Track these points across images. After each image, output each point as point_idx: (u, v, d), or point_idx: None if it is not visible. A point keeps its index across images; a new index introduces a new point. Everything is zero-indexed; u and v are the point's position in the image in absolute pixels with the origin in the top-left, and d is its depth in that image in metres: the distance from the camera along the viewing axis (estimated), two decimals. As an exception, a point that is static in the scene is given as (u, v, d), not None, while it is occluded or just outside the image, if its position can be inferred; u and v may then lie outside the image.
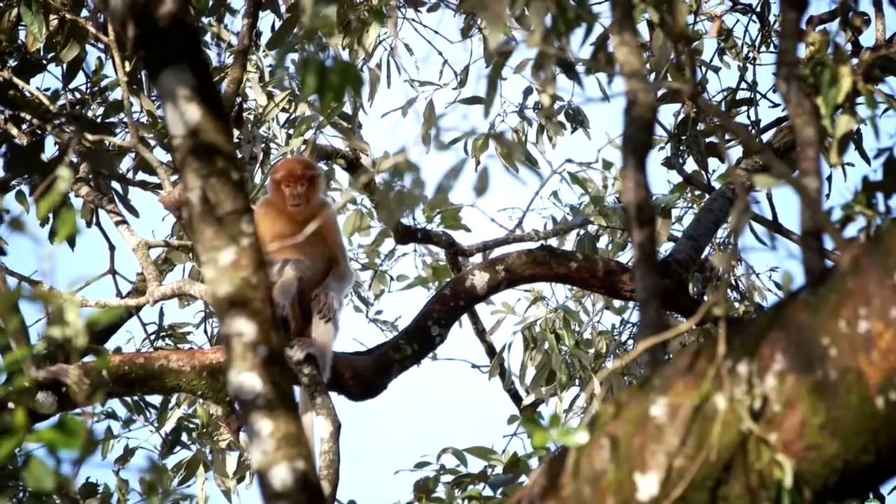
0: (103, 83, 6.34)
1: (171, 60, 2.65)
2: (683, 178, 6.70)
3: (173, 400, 7.04)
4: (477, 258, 7.10)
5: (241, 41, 5.83)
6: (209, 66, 2.69)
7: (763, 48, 6.90)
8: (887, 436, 2.43)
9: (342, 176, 7.43)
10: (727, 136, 6.24)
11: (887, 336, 2.40)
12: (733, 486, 2.47)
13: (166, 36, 2.65)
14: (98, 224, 6.97)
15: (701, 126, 6.42)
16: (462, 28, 6.78)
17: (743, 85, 6.76)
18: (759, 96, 6.75)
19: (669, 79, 5.46)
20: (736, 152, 6.71)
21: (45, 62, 5.95)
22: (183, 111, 2.63)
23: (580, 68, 2.91)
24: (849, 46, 5.79)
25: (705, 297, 6.04)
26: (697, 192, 7.11)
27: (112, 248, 7.02)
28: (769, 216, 6.58)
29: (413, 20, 7.22)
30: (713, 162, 6.62)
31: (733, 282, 7.08)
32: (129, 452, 7.05)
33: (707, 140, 6.49)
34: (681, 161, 6.63)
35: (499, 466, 5.90)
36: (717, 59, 6.83)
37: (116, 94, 6.30)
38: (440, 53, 7.52)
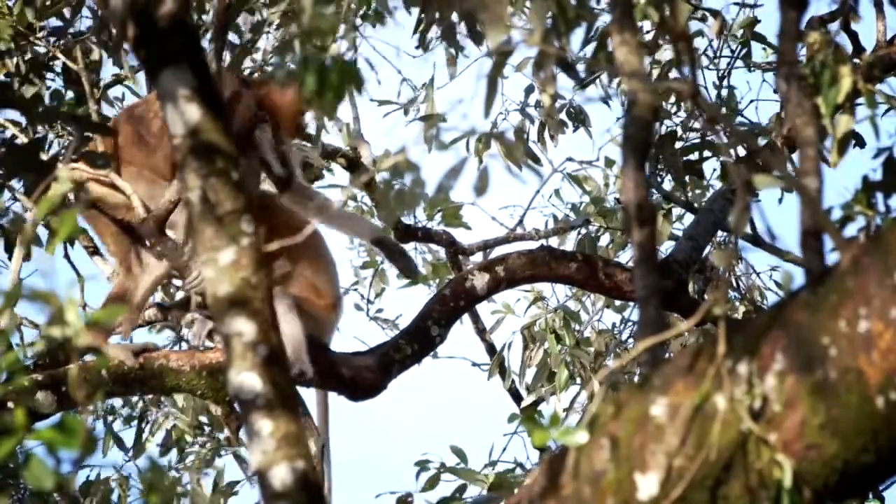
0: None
1: (171, 60, 2.65)
2: (663, 196, 6.72)
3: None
4: (477, 257, 7.10)
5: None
6: (209, 66, 2.69)
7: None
8: (887, 436, 2.43)
9: (343, 175, 7.43)
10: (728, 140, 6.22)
11: (887, 336, 2.40)
12: (733, 485, 2.47)
13: (166, 36, 2.65)
14: (67, 257, 6.98)
15: (679, 144, 6.41)
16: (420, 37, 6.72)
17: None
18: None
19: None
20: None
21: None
22: (183, 111, 2.64)
23: (580, 66, 2.91)
24: (848, 46, 5.79)
25: (706, 298, 6.04)
26: (698, 191, 7.11)
27: (81, 278, 6.98)
28: (770, 219, 6.56)
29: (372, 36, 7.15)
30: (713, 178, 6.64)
31: (733, 282, 7.08)
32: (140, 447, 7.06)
33: (685, 158, 6.48)
34: (658, 180, 6.64)
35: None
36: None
37: (116, 92, 6.32)
38: (399, 72, 7.49)
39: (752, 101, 7.01)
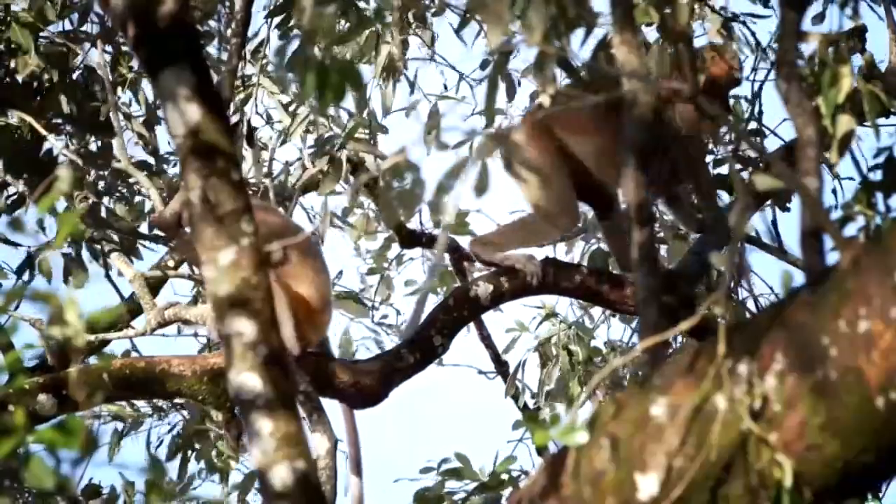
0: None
1: (171, 60, 2.65)
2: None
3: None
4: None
5: (230, 60, 5.78)
6: (209, 65, 2.69)
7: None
8: (887, 436, 2.42)
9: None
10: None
11: (887, 336, 2.40)
12: (733, 485, 2.47)
13: (166, 36, 2.65)
14: (108, 275, 6.99)
15: None
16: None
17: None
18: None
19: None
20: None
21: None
22: (183, 111, 2.64)
23: (578, 63, 2.92)
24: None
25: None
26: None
27: (123, 298, 6.99)
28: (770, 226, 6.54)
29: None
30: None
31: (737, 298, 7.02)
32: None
33: (715, 173, 6.42)
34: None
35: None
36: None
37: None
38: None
39: (784, 120, 6.93)
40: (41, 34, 6.15)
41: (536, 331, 7.07)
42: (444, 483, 5.93)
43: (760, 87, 6.46)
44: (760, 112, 6.54)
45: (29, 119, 5.79)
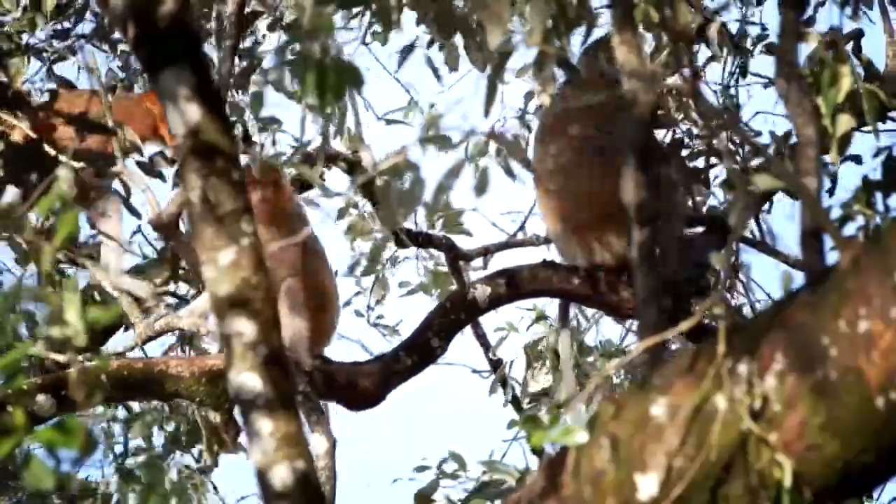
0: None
1: (171, 60, 2.65)
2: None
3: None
4: (477, 262, 7.08)
5: (223, 63, 5.77)
6: (209, 65, 2.69)
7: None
8: (887, 436, 2.42)
9: (344, 179, 7.41)
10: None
11: (887, 336, 2.39)
12: (733, 485, 2.47)
13: (166, 36, 2.65)
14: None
15: None
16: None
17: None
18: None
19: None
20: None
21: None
22: (183, 111, 2.64)
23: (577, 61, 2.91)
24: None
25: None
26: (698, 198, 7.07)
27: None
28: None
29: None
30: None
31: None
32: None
33: (691, 165, 6.45)
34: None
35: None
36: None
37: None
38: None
39: (757, 113, 6.95)
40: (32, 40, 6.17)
41: (526, 332, 7.08)
42: (440, 481, 5.94)
43: (737, 80, 6.49)
44: (737, 106, 6.57)
45: (21, 126, 5.81)
